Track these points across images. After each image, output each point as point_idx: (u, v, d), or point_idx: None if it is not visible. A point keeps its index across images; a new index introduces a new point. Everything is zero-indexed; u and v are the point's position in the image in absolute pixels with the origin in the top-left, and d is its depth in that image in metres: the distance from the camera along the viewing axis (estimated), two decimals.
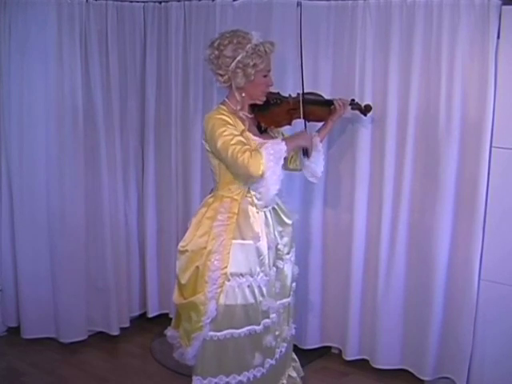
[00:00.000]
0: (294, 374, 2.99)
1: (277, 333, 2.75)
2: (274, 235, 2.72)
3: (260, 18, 3.23)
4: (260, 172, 2.45)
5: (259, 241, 2.62)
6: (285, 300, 2.80)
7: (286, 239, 2.79)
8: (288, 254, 2.80)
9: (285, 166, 2.84)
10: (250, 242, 2.60)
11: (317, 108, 2.83)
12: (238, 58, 2.54)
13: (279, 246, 2.74)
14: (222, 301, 2.57)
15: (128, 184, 3.77)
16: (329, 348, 3.54)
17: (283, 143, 2.53)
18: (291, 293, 2.86)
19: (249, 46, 2.54)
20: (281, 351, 2.80)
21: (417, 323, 3.16)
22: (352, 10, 3.08)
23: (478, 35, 2.80)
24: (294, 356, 3.06)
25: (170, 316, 3.48)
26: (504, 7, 2.75)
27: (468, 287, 2.97)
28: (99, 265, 3.63)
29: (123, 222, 3.74)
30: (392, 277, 3.19)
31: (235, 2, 3.31)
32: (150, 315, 3.87)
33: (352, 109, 2.98)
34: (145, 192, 3.80)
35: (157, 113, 3.70)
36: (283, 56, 3.16)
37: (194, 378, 2.64)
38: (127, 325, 3.77)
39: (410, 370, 3.25)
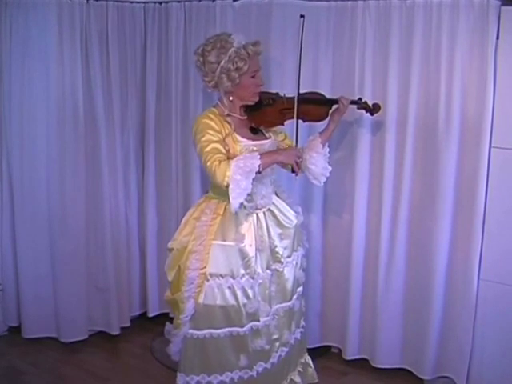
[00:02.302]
0: (297, 379, 2.94)
1: (274, 336, 2.72)
2: (270, 237, 2.70)
3: (260, 19, 3.24)
4: (224, 183, 2.43)
5: (242, 243, 2.60)
6: (285, 304, 2.77)
7: (286, 242, 2.76)
8: (289, 257, 2.77)
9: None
10: (232, 243, 2.60)
11: (313, 107, 2.75)
12: (222, 63, 2.54)
13: (277, 249, 2.71)
14: (200, 300, 2.59)
15: (128, 184, 3.78)
16: (329, 347, 3.55)
17: (257, 157, 2.46)
18: (294, 297, 2.82)
19: (231, 50, 2.53)
20: (280, 355, 2.77)
21: (416, 323, 3.17)
22: (352, 10, 3.09)
23: (477, 36, 2.81)
24: (309, 361, 3.02)
25: (171, 315, 3.48)
26: (503, 8, 2.76)
27: (467, 287, 2.98)
28: (100, 264, 3.64)
29: (123, 221, 3.74)
30: (392, 276, 3.20)
31: (235, 3, 3.32)
32: (151, 315, 3.88)
33: (358, 108, 2.92)
34: (145, 192, 3.81)
35: (157, 113, 3.70)
36: (283, 57, 3.17)
37: (178, 374, 2.68)
38: (128, 324, 3.78)
39: (409, 369, 3.26)
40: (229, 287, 2.59)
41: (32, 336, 3.62)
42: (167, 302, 2.84)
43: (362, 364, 3.37)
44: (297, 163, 2.61)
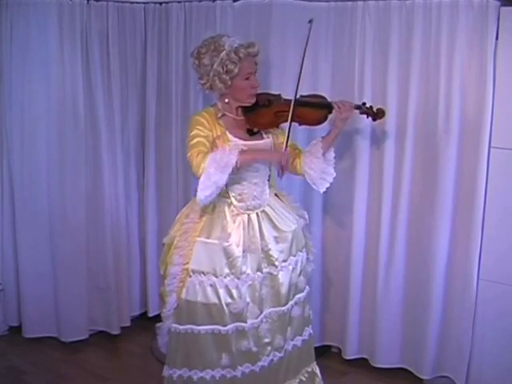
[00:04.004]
0: None
1: (266, 340, 2.68)
2: (263, 239, 2.65)
3: (260, 19, 3.24)
4: (198, 174, 2.45)
5: (227, 242, 2.58)
6: (278, 308, 2.71)
7: (281, 246, 2.70)
8: (284, 261, 2.71)
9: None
10: (215, 241, 2.60)
11: (309, 110, 2.66)
12: (214, 65, 2.55)
13: (271, 252, 2.67)
14: (183, 295, 2.62)
15: (129, 184, 3.79)
16: (328, 347, 3.56)
17: (235, 153, 2.45)
18: (291, 302, 2.75)
19: (223, 53, 2.53)
20: (271, 360, 2.70)
21: (416, 322, 3.18)
22: (351, 11, 3.09)
23: (476, 36, 2.82)
24: (317, 371, 2.94)
25: None
26: (502, 8, 2.76)
27: (467, 286, 2.99)
28: (100, 264, 3.65)
29: (124, 221, 3.75)
30: (391, 276, 3.20)
31: (235, 3, 3.32)
32: (151, 314, 3.87)
33: (361, 113, 2.77)
34: (145, 192, 3.82)
35: (157, 113, 3.71)
36: (282, 57, 3.17)
37: (165, 366, 2.72)
38: (128, 324, 3.78)
39: (409, 368, 3.27)
40: (211, 285, 2.58)
41: (32, 336, 3.63)
42: (159, 295, 2.86)
43: (361, 364, 3.37)
44: (282, 166, 2.56)
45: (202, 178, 2.45)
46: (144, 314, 3.93)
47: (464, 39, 2.84)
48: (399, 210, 3.13)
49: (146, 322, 3.89)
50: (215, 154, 2.47)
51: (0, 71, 3.39)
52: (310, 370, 2.94)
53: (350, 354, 3.39)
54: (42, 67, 3.35)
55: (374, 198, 3.20)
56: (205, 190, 2.46)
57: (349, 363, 3.40)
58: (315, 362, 2.96)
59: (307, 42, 2.58)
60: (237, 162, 2.45)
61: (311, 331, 2.91)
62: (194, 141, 2.53)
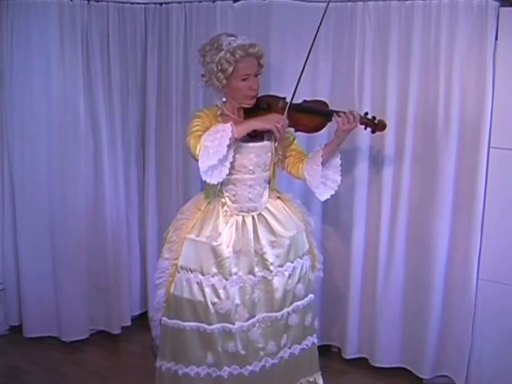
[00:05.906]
0: None
1: (259, 345, 2.64)
2: (258, 243, 2.62)
3: (260, 20, 3.24)
4: (196, 154, 2.42)
5: (216, 241, 2.57)
6: (271, 314, 2.66)
7: (278, 250, 2.66)
8: (280, 266, 2.66)
9: (288, 172, 2.80)
10: (203, 240, 2.59)
11: (306, 116, 2.59)
12: (213, 64, 2.55)
13: (266, 256, 2.63)
14: (171, 290, 2.64)
15: (129, 184, 3.80)
16: (328, 347, 3.56)
17: (228, 124, 2.41)
18: (286, 309, 2.70)
19: (222, 52, 2.53)
20: (263, 366, 2.66)
21: (416, 322, 3.19)
22: (351, 11, 3.10)
23: (476, 37, 2.83)
24: (319, 381, 2.89)
25: None
26: (502, 9, 2.77)
27: (466, 286, 3.00)
28: (100, 264, 3.66)
29: (124, 221, 3.75)
30: (391, 276, 3.21)
31: (235, 4, 3.33)
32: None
33: (360, 123, 2.58)
34: (146, 192, 3.82)
35: (158, 113, 3.72)
36: (282, 57, 3.18)
37: (158, 357, 2.74)
38: (128, 323, 3.79)
39: (408, 368, 3.27)
40: (197, 283, 2.58)
41: (33, 335, 3.63)
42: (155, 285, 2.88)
43: (361, 363, 3.38)
44: (277, 128, 2.48)
45: (200, 154, 2.41)
46: (144, 314, 3.94)
47: (463, 40, 2.85)
48: (399, 209, 3.13)
49: (146, 322, 3.87)
50: (210, 129, 2.45)
51: (1, 72, 3.40)
52: (312, 379, 2.89)
53: (349, 354, 3.39)
54: (43, 67, 3.36)
55: (374, 198, 3.21)
56: (206, 162, 2.40)
57: (349, 363, 3.41)
58: (319, 373, 2.92)
59: (319, 27, 2.56)
60: (232, 132, 2.40)
61: (314, 341, 2.86)
62: (194, 128, 2.53)
